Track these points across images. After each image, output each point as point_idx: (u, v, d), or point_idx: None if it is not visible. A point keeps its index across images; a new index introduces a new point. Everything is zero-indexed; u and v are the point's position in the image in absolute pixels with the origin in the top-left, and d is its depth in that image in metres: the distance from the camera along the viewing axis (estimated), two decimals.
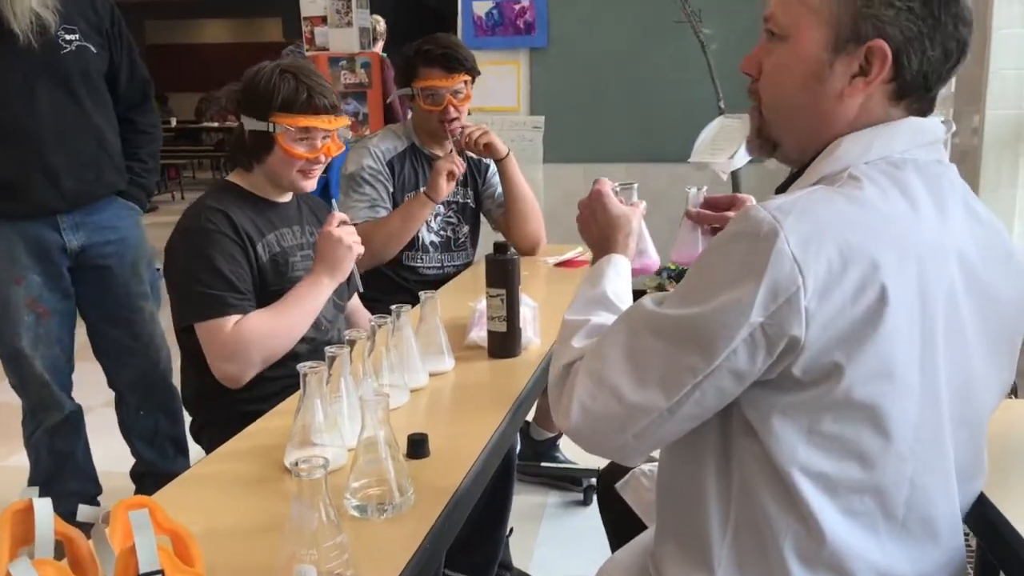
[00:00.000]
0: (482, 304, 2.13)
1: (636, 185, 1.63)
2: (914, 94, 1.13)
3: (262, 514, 1.30)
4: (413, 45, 2.80)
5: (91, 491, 2.80)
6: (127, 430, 2.89)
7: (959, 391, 1.14)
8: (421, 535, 1.22)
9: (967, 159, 3.00)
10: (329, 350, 1.48)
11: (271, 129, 1.99)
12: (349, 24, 5.39)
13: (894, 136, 1.13)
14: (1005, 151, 2.92)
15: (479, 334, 2.04)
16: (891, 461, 1.09)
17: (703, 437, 1.17)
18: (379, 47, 5.91)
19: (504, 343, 1.96)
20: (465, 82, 2.78)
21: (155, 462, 2.89)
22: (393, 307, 1.74)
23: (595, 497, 3.08)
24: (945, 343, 1.10)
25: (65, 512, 2.66)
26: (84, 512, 1.10)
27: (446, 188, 2.70)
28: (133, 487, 2.93)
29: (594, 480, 3.11)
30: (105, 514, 1.08)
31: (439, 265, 2.93)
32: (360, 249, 2.02)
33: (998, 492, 1.30)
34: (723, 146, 4.43)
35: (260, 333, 1.92)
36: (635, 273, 1.52)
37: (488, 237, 3.11)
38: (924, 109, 1.16)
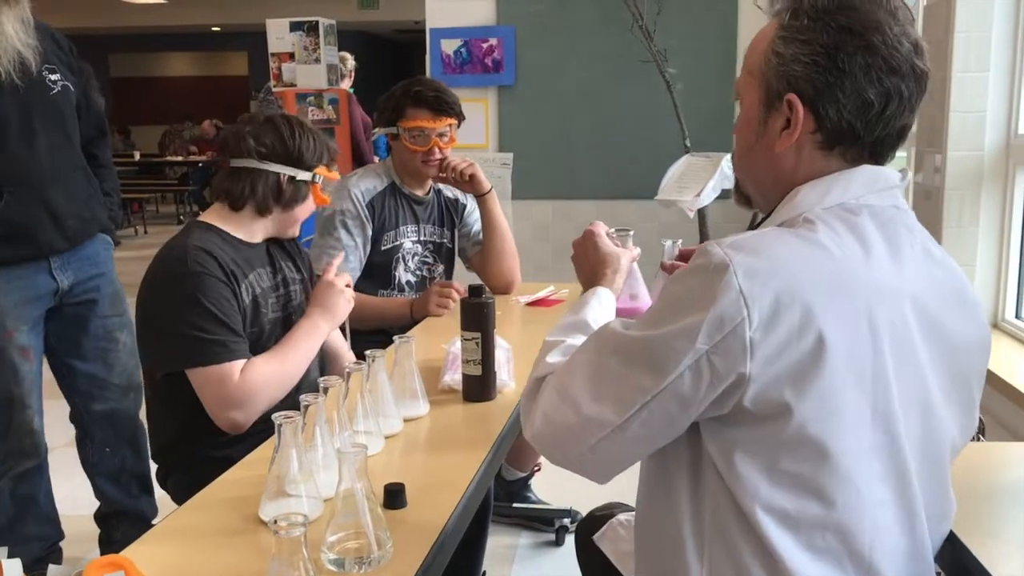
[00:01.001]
0: (456, 346, 2.12)
1: (632, 232, 1.69)
2: (843, 143, 1.18)
3: (238, 569, 1.28)
4: (401, 85, 2.82)
5: (53, 536, 2.72)
6: (91, 467, 2.82)
7: (919, 433, 1.17)
8: None
9: (930, 198, 3.05)
10: (304, 398, 1.45)
11: (313, 179, 2.12)
12: (317, 61, 5.40)
13: (850, 183, 1.18)
14: (967, 191, 2.97)
15: (453, 377, 2.02)
16: (850, 499, 1.11)
17: (676, 477, 1.19)
18: (347, 84, 5.92)
19: (479, 387, 1.95)
20: (451, 125, 2.80)
21: (119, 500, 2.83)
22: (367, 352, 1.72)
23: (568, 538, 3.07)
24: (899, 385, 1.13)
25: (26, 559, 2.60)
26: (55, 572, 1.07)
27: (432, 313, 2.71)
28: (96, 530, 2.87)
29: (566, 520, 3.11)
30: (77, 574, 1.05)
31: None
32: (352, 303, 2.13)
33: (968, 533, 1.32)
34: (689, 184, 4.49)
35: (267, 379, 1.90)
36: (627, 314, 1.57)
37: (461, 276, 3.12)
38: (875, 156, 1.21)
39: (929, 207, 3.06)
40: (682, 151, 4.27)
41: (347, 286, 2.13)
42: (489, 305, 1.93)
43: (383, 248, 2.86)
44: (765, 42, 1.21)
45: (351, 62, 5.87)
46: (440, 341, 2.31)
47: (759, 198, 1.31)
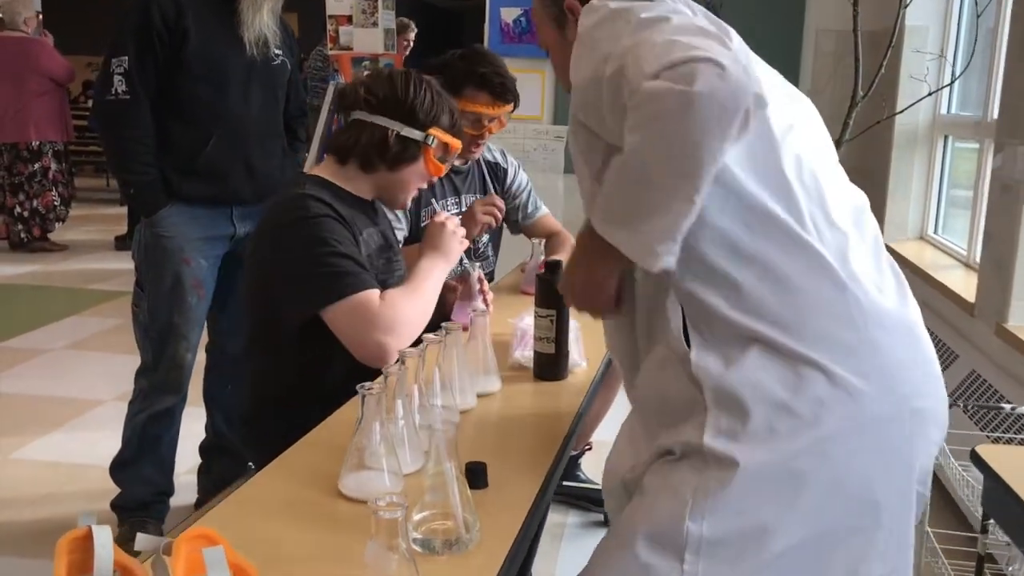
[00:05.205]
0: (524, 322, 2.07)
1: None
2: None
3: (315, 542, 1.24)
4: (462, 58, 2.66)
5: (162, 485, 2.81)
6: (210, 400, 2.99)
7: None
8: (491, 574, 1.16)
9: (1009, 192, 2.95)
10: (386, 368, 1.42)
11: (426, 140, 1.98)
12: (375, 24, 5.33)
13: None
14: None
15: (523, 353, 1.98)
16: None
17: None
18: (405, 50, 5.85)
19: (552, 365, 1.90)
20: (507, 112, 2.69)
21: (226, 435, 2.96)
22: (443, 324, 1.68)
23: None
24: None
25: (132, 501, 2.70)
26: (143, 541, 1.04)
27: (481, 221, 2.62)
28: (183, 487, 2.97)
29: None
30: (167, 544, 1.02)
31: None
32: (466, 244, 2.07)
33: None
34: None
35: (406, 308, 1.85)
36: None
37: (508, 243, 3.06)
38: None
39: (1007, 201, 2.96)
40: None
41: (461, 228, 2.06)
42: None
43: (423, 224, 2.73)
44: None
45: (414, 30, 5.79)
46: (507, 315, 2.26)
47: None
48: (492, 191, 2.90)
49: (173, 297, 2.62)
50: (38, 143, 6.81)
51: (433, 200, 2.75)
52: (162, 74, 2.52)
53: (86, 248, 7.25)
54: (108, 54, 2.51)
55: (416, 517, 1.22)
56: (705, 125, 1.11)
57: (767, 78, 1.32)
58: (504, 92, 2.62)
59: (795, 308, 1.23)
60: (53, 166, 6.94)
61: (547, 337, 1.88)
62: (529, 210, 2.97)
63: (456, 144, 2.05)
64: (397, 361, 1.48)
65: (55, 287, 6.12)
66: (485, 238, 2.92)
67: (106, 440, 2.86)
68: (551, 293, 1.87)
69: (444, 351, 1.66)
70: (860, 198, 1.40)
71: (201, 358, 2.89)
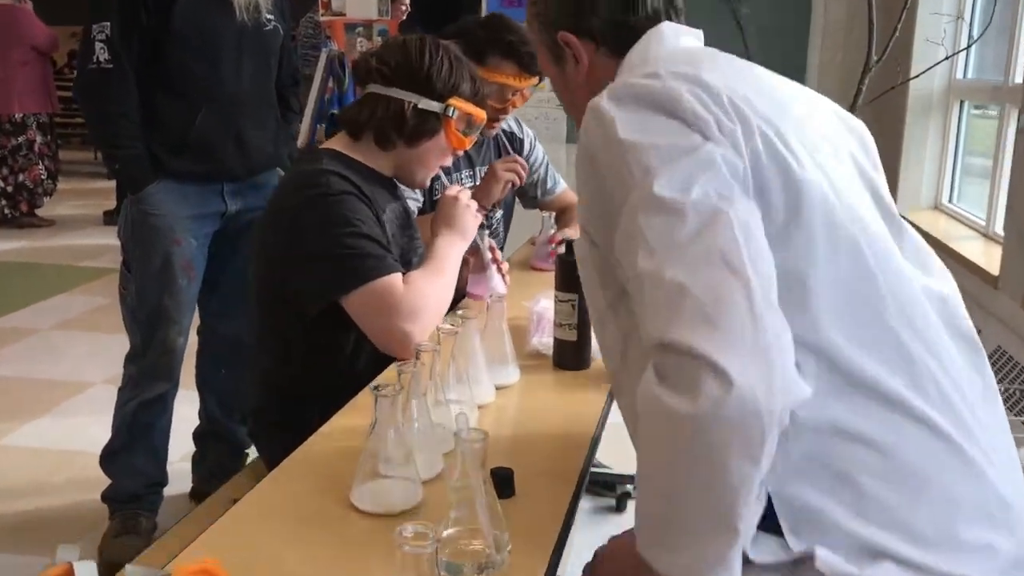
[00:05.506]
0: (540, 305, 1.94)
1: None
2: (623, 40, 1.24)
3: (330, 563, 1.12)
4: (483, 25, 2.46)
5: (155, 476, 2.69)
6: (203, 383, 2.86)
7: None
8: None
9: None
10: (399, 366, 1.28)
11: (446, 112, 1.83)
12: None
13: (660, 35, 1.23)
14: None
15: (541, 340, 1.84)
16: None
17: None
18: (399, 16, 5.67)
19: (574, 354, 1.76)
20: (533, 85, 2.48)
21: (220, 421, 2.85)
22: (459, 312, 1.55)
23: (629, 504, 2.92)
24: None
25: (123, 493, 2.56)
26: (132, 572, 0.91)
27: (498, 197, 2.46)
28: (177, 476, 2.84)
29: (629, 487, 2.95)
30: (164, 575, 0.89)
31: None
32: (480, 218, 1.94)
33: None
34: None
35: (430, 291, 1.73)
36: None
37: (518, 216, 2.91)
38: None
39: None
40: None
41: (474, 202, 1.93)
42: None
43: (435, 199, 2.61)
44: (528, 8, 1.30)
45: None
46: (520, 295, 2.12)
47: None
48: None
49: (162, 279, 2.48)
50: (21, 115, 6.62)
51: (442, 174, 2.58)
52: (147, 42, 2.36)
53: (74, 223, 7.08)
54: (89, 20, 2.35)
55: (442, 535, 1.09)
56: (723, 450, 0.86)
57: (819, 130, 1.12)
58: (532, 63, 2.38)
59: (929, 510, 1.00)
60: (38, 139, 6.76)
61: (568, 323, 1.74)
62: (549, 185, 2.81)
63: (480, 114, 1.90)
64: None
65: (43, 264, 5.97)
66: (499, 214, 2.76)
67: (96, 425, 2.74)
68: (572, 275, 1.72)
69: (460, 341, 1.52)
70: (946, 285, 1.16)
71: (193, 341, 2.76)
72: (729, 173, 0.98)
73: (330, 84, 5.29)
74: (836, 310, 1.00)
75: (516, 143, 2.75)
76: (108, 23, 2.32)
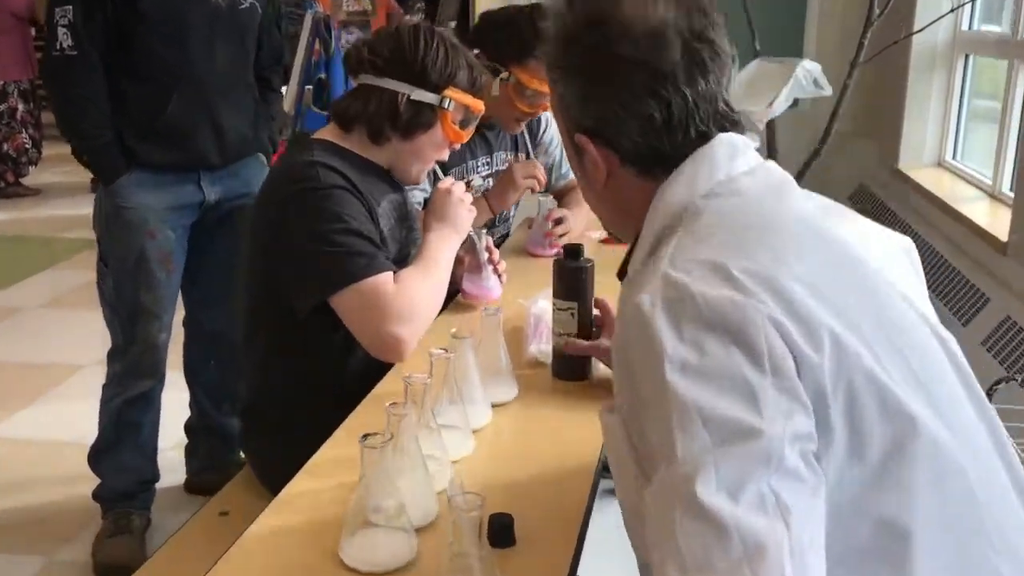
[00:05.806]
0: (538, 306, 1.85)
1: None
2: (658, 164, 1.02)
3: None
4: (528, 16, 2.21)
5: (146, 473, 2.63)
6: (192, 375, 2.79)
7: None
8: None
9: None
10: (389, 409, 1.20)
11: (442, 104, 1.75)
12: None
13: (700, 166, 1.01)
14: None
15: (541, 348, 1.76)
16: None
17: None
18: None
19: (574, 366, 1.68)
20: None
21: (210, 413, 2.79)
22: (452, 332, 1.46)
23: None
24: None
25: (113, 492, 2.48)
26: None
27: (514, 203, 2.38)
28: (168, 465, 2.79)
29: None
30: None
31: None
32: (475, 212, 1.85)
33: None
34: (761, 92, 4.10)
35: (422, 291, 1.66)
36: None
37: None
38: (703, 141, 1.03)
39: None
40: (751, 55, 3.91)
41: (468, 196, 1.84)
42: (588, 270, 1.65)
43: None
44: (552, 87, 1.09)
45: None
46: (516, 290, 2.03)
47: (618, 232, 1.22)
48: (524, 143, 2.61)
49: (139, 273, 2.39)
50: (2, 83, 6.47)
51: (463, 164, 2.42)
52: (112, 25, 2.24)
53: (61, 191, 6.94)
54: (51, 3, 2.23)
55: None
56: None
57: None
58: None
59: None
60: (20, 107, 6.62)
61: (568, 333, 1.65)
62: (563, 169, 2.68)
63: (478, 105, 1.81)
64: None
65: (30, 236, 5.87)
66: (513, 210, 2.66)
67: (85, 415, 2.65)
68: (572, 282, 1.64)
69: (453, 363, 1.43)
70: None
71: (180, 332, 2.69)
72: (799, 454, 0.81)
73: (316, 47, 5.16)
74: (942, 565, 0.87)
75: (532, 122, 2.63)
76: (70, 7, 2.20)
